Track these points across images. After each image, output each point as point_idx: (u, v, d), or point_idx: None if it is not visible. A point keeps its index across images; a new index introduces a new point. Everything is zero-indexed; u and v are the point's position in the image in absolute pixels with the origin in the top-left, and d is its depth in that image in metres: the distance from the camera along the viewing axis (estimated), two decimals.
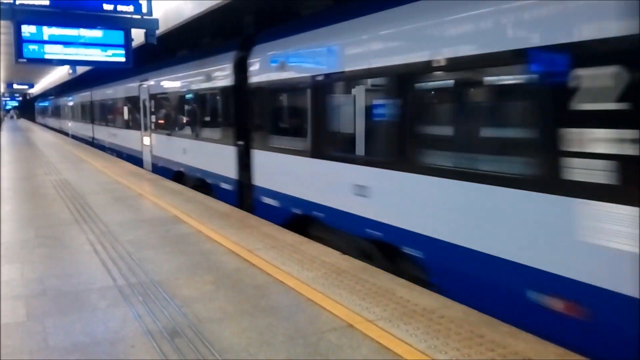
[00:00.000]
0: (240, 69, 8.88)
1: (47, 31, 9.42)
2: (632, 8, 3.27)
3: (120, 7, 9.66)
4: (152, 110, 14.19)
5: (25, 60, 9.45)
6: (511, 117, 4.59)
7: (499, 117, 4.72)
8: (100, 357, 3.54)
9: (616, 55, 3.39)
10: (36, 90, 51.00)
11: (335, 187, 6.43)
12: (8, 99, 71.12)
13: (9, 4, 9.00)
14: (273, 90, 7.94)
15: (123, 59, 10.00)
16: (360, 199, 5.98)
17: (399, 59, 5.37)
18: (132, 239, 6.63)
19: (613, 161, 3.39)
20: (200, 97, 10.90)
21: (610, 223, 3.42)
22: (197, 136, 11.02)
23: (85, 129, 26.55)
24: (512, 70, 4.34)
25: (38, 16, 9.30)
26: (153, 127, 14.19)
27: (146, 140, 14.93)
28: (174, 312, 4.29)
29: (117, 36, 9.88)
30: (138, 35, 10.33)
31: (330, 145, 6.61)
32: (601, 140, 3.46)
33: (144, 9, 9.85)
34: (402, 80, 5.31)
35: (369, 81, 6.09)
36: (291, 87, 7.49)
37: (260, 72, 8.24)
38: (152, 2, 9.94)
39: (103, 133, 21.78)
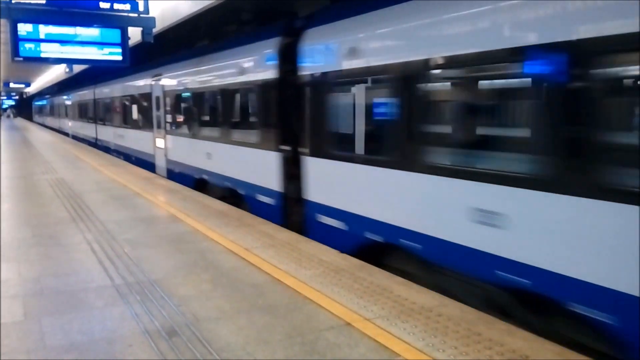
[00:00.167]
0: (286, 59, 7.38)
1: (44, 30, 9.38)
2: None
3: (116, 6, 9.62)
4: (168, 109, 12.58)
5: (21, 58, 9.41)
6: None
7: None
8: (98, 356, 3.54)
9: None
10: (33, 89, 50.81)
11: (445, 210, 4.88)
12: (5, 98, 70.93)
13: (6, 2, 8.97)
14: (340, 82, 6.34)
15: (120, 58, 9.97)
16: (487, 228, 4.44)
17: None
18: (129, 238, 6.62)
19: None
20: (230, 94, 9.30)
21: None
22: (226, 139, 9.37)
23: (87, 129, 24.90)
24: None
25: (34, 14, 9.27)
26: (168, 127, 12.62)
27: (160, 143, 13.30)
28: (172, 311, 4.28)
29: (114, 35, 9.85)
30: (135, 34, 10.31)
31: (438, 155, 4.99)
32: None
33: (141, 8, 9.82)
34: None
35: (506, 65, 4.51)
36: (371, 77, 5.99)
37: (318, 60, 6.69)
38: (149, 0, 9.91)
39: (108, 134, 20.06)
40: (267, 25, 8.86)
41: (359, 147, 6.06)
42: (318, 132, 6.74)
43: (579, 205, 3.68)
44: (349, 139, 6.17)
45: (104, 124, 20.65)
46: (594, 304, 3.64)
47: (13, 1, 9.09)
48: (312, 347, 3.62)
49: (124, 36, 9.90)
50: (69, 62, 12.51)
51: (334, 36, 6.43)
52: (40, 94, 52.69)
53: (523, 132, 4.52)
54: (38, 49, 9.43)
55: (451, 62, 4.79)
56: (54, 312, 4.30)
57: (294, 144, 7.34)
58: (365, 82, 6.02)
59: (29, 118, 64.62)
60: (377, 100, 5.85)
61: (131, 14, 9.86)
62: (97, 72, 21.06)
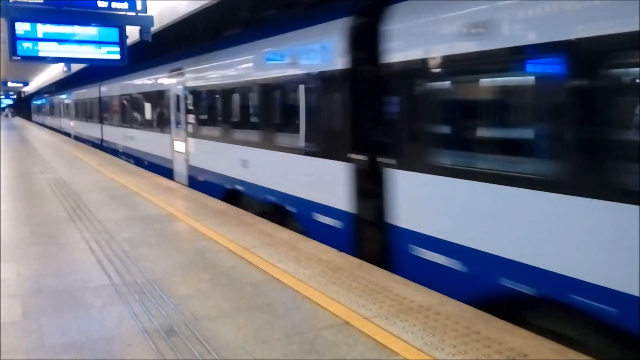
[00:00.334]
0: (359, 44, 5.97)
1: (42, 29, 9.39)
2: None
3: (114, 5, 9.64)
4: (190, 108, 10.96)
5: (19, 58, 9.42)
6: None
7: None
8: (97, 355, 3.53)
9: None
10: (31, 88, 50.67)
11: None
12: (3, 97, 70.81)
13: (3, 1, 8.96)
14: (466, 69, 4.69)
15: (118, 56, 9.97)
16: None
17: None
18: (127, 237, 6.61)
19: None
20: (277, 89, 7.70)
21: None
22: (270, 144, 7.79)
23: (91, 130, 23.18)
24: None
25: (32, 13, 9.27)
26: (191, 129, 10.98)
27: (179, 146, 11.72)
28: (170, 310, 4.28)
29: (112, 33, 9.86)
30: (133, 33, 10.30)
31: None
32: None
33: (139, 7, 9.82)
34: None
35: None
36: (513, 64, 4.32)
37: (418, 43, 5.09)
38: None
39: (116, 135, 18.29)
40: (329, 4, 7.18)
41: (504, 161, 4.40)
42: (419, 137, 5.09)
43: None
44: (481, 149, 4.75)
45: (112, 124, 19.05)
46: None
47: (11, 0, 9.08)
48: (311, 345, 3.62)
49: (122, 35, 9.91)
50: (67, 61, 12.54)
51: (445, 9, 4.80)
52: (39, 93, 52.07)
53: None
54: (36, 48, 9.43)
55: None
56: (52, 312, 4.30)
57: (371, 151, 5.83)
58: (521, 66, 4.29)
59: (28, 117, 64.45)
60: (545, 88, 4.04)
61: (129, 13, 9.87)
62: (103, 69, 19.34)
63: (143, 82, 14.59)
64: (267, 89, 7.83)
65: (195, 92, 10.70)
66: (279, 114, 7.77)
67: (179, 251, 5.99)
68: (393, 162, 5.41)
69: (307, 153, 6.89)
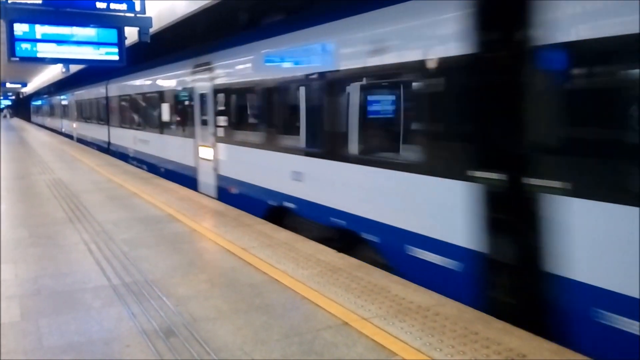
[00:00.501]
0: (486, 22, 4.37)
1: (40, 30, 9.38)
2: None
3: (113, 6, 9.63)
4: (221, 108, 9.48)
5: (17, 59, 9.40)
6: None
7: None
8: (95, 356, 3.53)
9: None
10: (30, 88, 50.57)
11: None
12: (1, 98, 70.77)
13: (2, 2, 8.96)
14: None
15: (116, 57, 9.96)
16: None
17: None
18: (126, 238, 6.61)
19: None
20: (353, 84, 6.01)
21: None
22: (338, 154, 6.23)
23: (97, 132, 21.47)
24: None
25: (31, 14, 9.26)
26: (222, 134, 9.46)
27: (205, 153, 10.24)
28: (169, 311, 4.28)
29: (110, 34, 9.85)
30: (132, 34, 10.30)
31: None
32: None
33: (137, 7, 9.82)
34: None
35: None
36: None
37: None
38: (146, 0, 9.91)
39: (126, 138, 16.61)
40: None
41: None
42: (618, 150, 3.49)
43: None
44: None
45: (121, 127, 17.34)
46: None
47: (9, 1, 9.07)
48: (310, 346, 3.62)
49: (121, 36, 9.90)
50: (66, 62, 12.50)
51: None
52: (38, 93, 51.42)
53: None
54: (34, 49, 9.42)
55: None
56: (51, 313, 4.29)
57: (510, 169, 4.22)
58: None
59: (26, 118, 64.33)
60: None
61: (128, 14, 9.86)
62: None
63: (159, 80, 13.05)
64: (339, 84, 6.18)
65: (228, 91, 9.23)
66: (355, 115, 5.98)
67: (177, 252, 5.98)
68: (565, 186, 3.75)
69: (403, 168, 5.28)
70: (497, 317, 4.07)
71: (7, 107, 78.90)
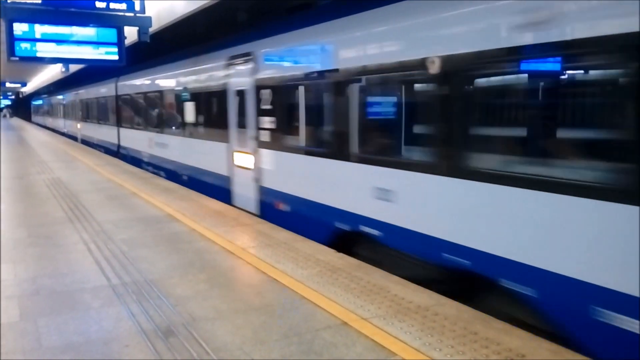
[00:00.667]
0: None
1: (40, 29, 9.37)
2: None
3: (112, 5, 9.62)
4: (266, 108, 7.82)
5: (17, 58, 9.39)
6: None
7: None
8: (94, 356, 3.53)
9: None
10: (29, 88, 50.49)
11: None
12: (1, 97, 70.74)
13: (1, 2, 8.95)
14: None
15: (116, 57, 9.95)
16: None
17: None
18: (125, 238, 6.60)
19: None
20: (479, 74, 4.63)
21: None
22: (459, 167, 4.58)
23: (104, 134, 19.73)
24: None
25: (30, 14, 9.26)
26: (268, 138, 7.85)
27: (243, 160, 8.64)
28: (168, 311, 4.27)
29: (110, 34, 9.83)
30: (131, 34, 10.29)
31: None
32: None
33: (137, 7, 9.81)
34: None
35: None
36: None
37: None
38: (145, 0, 9.90)
39: (139, 141, 14.90)
40: None
41: None
42: None
43: None
44: None
45: (133, 128, 15.59)
46: None
47: (9, 0, 9.07)
48: (309, 346, 3.61)
49: (120, 36, 9.88)
50: (65, 61, 12.48)
51: None
52: (39, 93, 50.78)
53: None
54: (34, 48, 9.41)
55: None
56: (50, 313, 4.29)
57: None
58: None
59: (26, 118, 64.24)
60: None
61: (127, 14, 9.85)
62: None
63: (181, 76, 11.45)
64: (447, 75, 4.63)
65: (280, 87, 7.44)
66: (467, 118, 4.52)
67: (177, 252, 5.98)
68: None
69: (590, 192, 3.59)
70: None
71: (7, 106, 78.88)
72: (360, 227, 5.88)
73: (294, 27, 7.37)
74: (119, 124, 17.31)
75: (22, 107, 72.00)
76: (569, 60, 3.92)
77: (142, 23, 10.01)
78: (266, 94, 7.83)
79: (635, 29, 3.22)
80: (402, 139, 5.57)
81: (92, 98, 21.68)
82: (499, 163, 4.41)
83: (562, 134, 4.24)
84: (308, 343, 3.66)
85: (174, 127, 12.06)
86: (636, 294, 3.31)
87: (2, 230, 7.15)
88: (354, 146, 5.98)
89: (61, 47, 9.60)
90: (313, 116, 6.96)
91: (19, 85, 48.54)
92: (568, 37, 3.65)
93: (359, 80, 5.94)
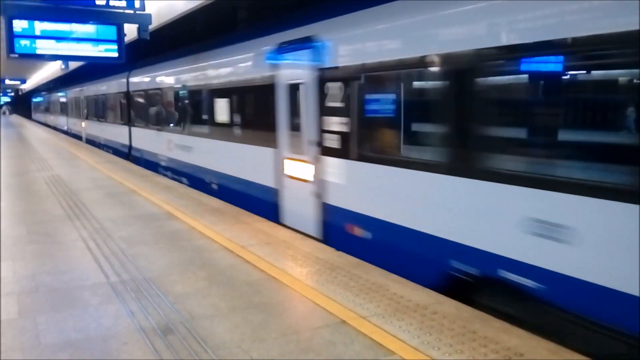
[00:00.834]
0: None
1: (39, 26, 9.36)
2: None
3: (112, 2, 9.62)
4: (336, 106, 6.12)
5: (17, 55, 9.39)
6: None
7: None
8: (93, 354, 3.53)
9: None
10: (29, 85, 50.40)
11: None
12: (1, 94, 70.69)
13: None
14: None
15: (116, 54, 9.95)
16: None
17: None
18: (124, 235, 6.60)
19: None
20: None
21: None
22: None
23: (113, 133, 17.98)
24: None
25: (30, 11, 9.26)
26: (338, 144, 6.14)
27: (299, 170, 6.96)
28: (167, 308, 4.27)
29: (110, 31, 9.83)
30: (131, 31, 10.28)
31: None
32: None
33: (137, 4, 9.80)
34: None
35: None
36: None
37: None
38: None
39: (155, 143, 13.30)
40: None
41: None
42: None
43: None
44: None
45: (148, 128, 13.96)
46: None
47: None
48: (308, 344, 3.62)
49: (120, 33, 9.88)
50: (65, 58, 12.46)
51: None
52: (40, 89, 50.12)
53: None
54: (33, 45, 9.41)
55: None
56: (48, 310, 4.29)
57: None
58: None
59: (26, 116, 64.09)
60: None
61: (127, 11, 9.84)
62: (132, 54, 13.29)
63: (212, 68, 9.78)
64: None
65: (360, 79, 5.74)
66: None
67: (176, 249, 5.98)
68: None
69: None
70: None
71: (6, 103, 78.83)
72: (498, 271, 4.23)
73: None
74: (130, 122, 15.70)
75: (21, 104, 71.92)
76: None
77: (142, 20, 10.00)
78: (335, 88, 6.11)
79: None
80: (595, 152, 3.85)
81: (99, 94, 19.82)
82: None
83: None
84: (306, 341, 3.66)
85: (201, 128, 10.28)
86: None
87: (1, 227, 7.15)
88: (499, 160, 4.22)
89: (61, 44, 9.60)
90: (422, 116, 5.25)
91: (18, 82, 48.50)
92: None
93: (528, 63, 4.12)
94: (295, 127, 7.05)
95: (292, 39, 7.03)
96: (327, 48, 6.25)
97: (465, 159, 4.46)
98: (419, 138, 5.37)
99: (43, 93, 44.07)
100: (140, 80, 14.44)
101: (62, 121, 31.60)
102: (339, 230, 6.19)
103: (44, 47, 9.50)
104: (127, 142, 16.18)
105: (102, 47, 9.84)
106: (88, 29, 9.69)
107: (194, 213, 7.85)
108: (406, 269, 5.10)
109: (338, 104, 6.08)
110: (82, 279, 5.02)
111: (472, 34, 4.37)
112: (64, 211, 8.13)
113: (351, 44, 6.00)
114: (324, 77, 6.32)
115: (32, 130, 33.96)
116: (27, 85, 51.82)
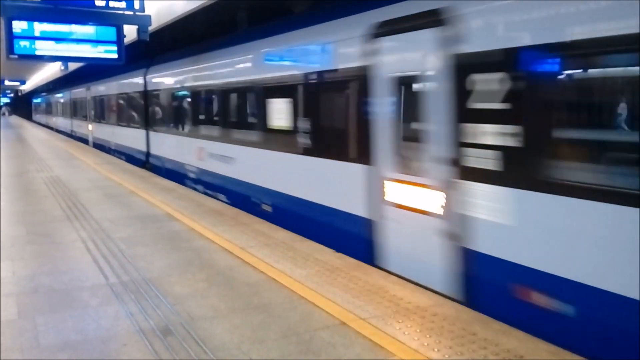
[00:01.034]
0: None
1: (39, 27, 9.35)
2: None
3: (112, 4, 9.60)
4: (491, 109, 4.13)
5: (16, 56, 9.37)
6: None
7: None
8: (92, 355, 3.52)
9: None
10: (29, 86, 50.33)
11: None
12: (0, 95, 70.64)
13: (1, 0, 8.94)
14: None
15: (115, 56, 9.94)
16: None
17: None
18: (124, 236, 6.59)
19: None
20: None
21: None
22: None
23: (127, 139, 16.15)
24: None
25: (29, 12, 9.24)
26: (493, 164, 4.14)
27: (412, 197, 5.07)
28: (166, 309, 4.27)
29: (109, 32, 9.82)
30: (130, 32, 10.28)
31: None
32: None
33: (136, 6, 9.80)
34: None
35: None
36: None
37: None
38: None
39: (182, 150, 11.52)
40: None
41: None
42: None
43: None
44: None
45: (170, 132, 12.23)
46: None
47: None
48: (307, 346, 3.61)
49: (120, 34, 9.86)
50: (64, 59, 12.45)
51: None
52: (41, 90, 49.43)
53: None
54: (33, 46, 9.39)
55: None
56: (47, 311, 4.28)
57: None
58: None
59: (26, 117, 63.95)
60: None
61: (127, 12, 9.83)
62: (152, 48, 12.49)
63: (267, 60, 7.89)
64: None
65: (552, 66, 3.79)
66: None
67: (175, 251, 5.97)
68: None
69: None
70: None
71: (6, 104, 78.77)
72: None
73: None
74: (148, 126, 13.89)
75: (21, 105, 71.85)
76: None
77: (142, 21, 9.99)
78: (491, 82, 4.15)
79: None
80: None
81: (111, 94, 17.78)
82: None
83: None
84: (306, 343, 3.66)
85: (246, 135, 8.53)
86: None
87: (1, 227, 7.14)
88: None
89: (60, 45, 9.58)
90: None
91: (17, 83, 48.45)
92: None
93: None
94: (407, 137, 5.19)
95: (400, 16, 5.21)
96: (470, 25, 4.34)
97: None
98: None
99: (46, 93, 42.09)
100: (162, 78, 12.72)
101: (65, 124, 29.44)
102: (499, 293, 4.18)
103: (43, 48, 9.48)
104: (144, 149, 14.37)
105: (102, 48, 9.82)
106: (87, 30, 9.68)
107: (193, 214, 7.85)
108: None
109: (497, 106, 4.11)
110: (82, 280, 5.01)
111: None
112: (63, 212, 8.12)
113: (514, 13, 3.96)
114: (463, 66, 4.39)
115: (32, 132, 33.92)
116: (27, 86, 51.74)
